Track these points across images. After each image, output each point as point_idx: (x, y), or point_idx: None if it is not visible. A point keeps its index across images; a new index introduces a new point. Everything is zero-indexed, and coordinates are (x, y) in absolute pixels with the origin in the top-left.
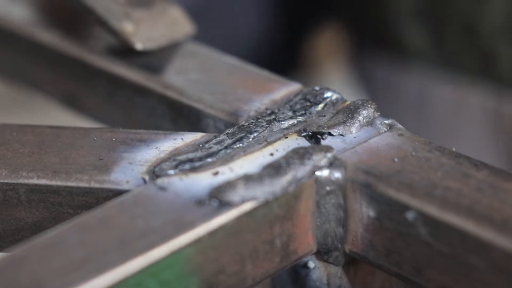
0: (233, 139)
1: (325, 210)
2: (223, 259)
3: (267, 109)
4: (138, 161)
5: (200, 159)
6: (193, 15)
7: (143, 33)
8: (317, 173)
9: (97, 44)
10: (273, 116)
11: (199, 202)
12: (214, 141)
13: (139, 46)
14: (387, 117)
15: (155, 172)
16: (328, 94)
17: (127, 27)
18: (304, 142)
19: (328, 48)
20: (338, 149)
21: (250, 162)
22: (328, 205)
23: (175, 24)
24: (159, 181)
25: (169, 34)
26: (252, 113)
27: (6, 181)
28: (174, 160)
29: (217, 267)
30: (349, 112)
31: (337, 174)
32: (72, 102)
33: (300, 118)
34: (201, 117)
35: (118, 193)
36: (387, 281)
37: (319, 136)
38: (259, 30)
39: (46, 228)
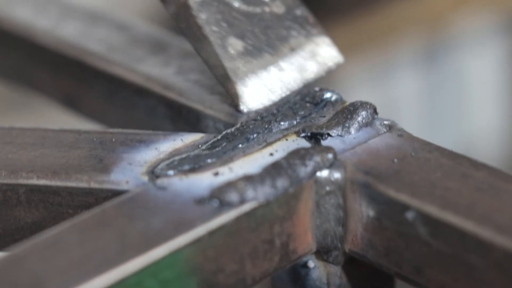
0: (233, 140)
1: (324, 210)
2: (223, 259)
3: (266, 109)
4: (138, 161)
5: (199, 159)
6: None
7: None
8: (317, 173)
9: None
10: (272, 117)
11: (199, 202)
12: (213, 141)
13: (243, 108)
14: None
15: (154, 172)
16: (327, 95)
17: (234, 89)
18: (303, 143)
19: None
20: (338, 150)
21: (250, 163)
22: (327, 205)
23: (309, 61)
24: (159, 181)
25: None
26: (252, 114)
27: (5, 181)
28: (174, 160)
29: (216, 266)
30: (348, 113)
31: (337, 175)
32: (72, 103)
33: (299, 119)
34: (201, 118)
35: (117, 193)
36: None
37: (318, 137)
38: None
39: (46, 228)
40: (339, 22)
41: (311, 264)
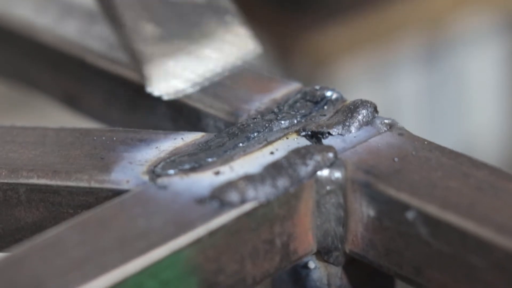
0: (233, 139)
1: (325, 210)
2: (223, 259)
3: (267, 108)
4: (138, 160)
5: (200, 158)
6: None
7: (165, 75)
8: (318, 172)
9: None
10: (273, 116)
11: (200, 201)
12: (214, 140)
13: (152, 90)
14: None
15: (155, 171)
16: (328, 93)
17: (143, 71)
18: (304, 142)
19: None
20: (338, 149)
21: (250, 162)
22: (328, 205)
23: (224, 49)
24: (159, 180)
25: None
26: (252, 113)
27: (6, 181)
28: (174, 159)
29: (217, 266)
30: (348, 112)
31: (337, 174)
32: (72, 102)
33: (300, 118)
34: (201, 117)
35: (118, 192)
36: None
37: (319, 136)
38: None
39: (46, 227)
40: (339, 22)
41: (311, 264)
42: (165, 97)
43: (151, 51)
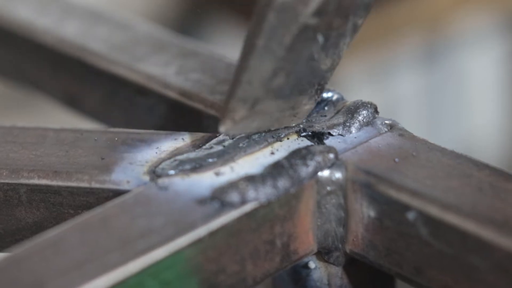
0: (234, 140)
1: (325, 210)
2: (224, 259)
3: None
4: (139, 161)
5: (201, 159)
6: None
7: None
8: (318, 173)
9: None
10: None
11: (200, 202)
12: (215, 141)
13: (221, 129)
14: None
15: (156, 172)
16: (328, 94)
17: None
18: (304, 142)
19: None
20: (339, 149)
21: (251, 162)
22: (328, 205)
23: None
24: (160, 181)
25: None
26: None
27: (6, 181)
28: (175, 160)
29: (217, 267)
30: (349, 112)
31: (338, 174)
32: (72, 102)
33: None
34: (202, 117)
35: (118, 193)
36: None
37: (320, 136)
38: None
39: (47, 228)
40: None
41: (312, 264)
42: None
43: (259, 99)
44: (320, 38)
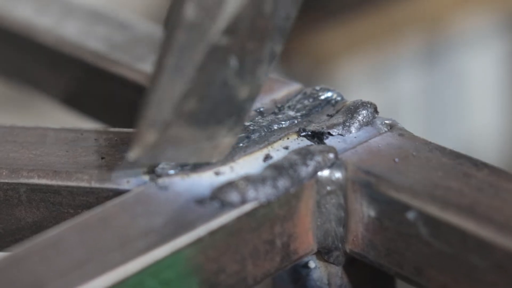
0: None
1: (325, 210)
2: (224, 259)
3: (267, 109)
4: None
5: None
6: None
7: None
8: (318, 173)
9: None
10: (273, 116)
11: (200, 201)
12: None
13: (130, 156)
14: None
15: (155, 171)
16: (328, 94)
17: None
18: (304, 142)
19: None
20: (339, 149)
21: (251, 162)
22: (328, 205)
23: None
24: (160, 180)
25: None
26: (253, 113)
27: (6, 180)
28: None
29: (217, 266)
30: (349, 112)
31: (338, 174)
32: (72, 102)
33: (300, 118)
34: None
35: (118, 192)
36: None
37: (319, 136)
38: None
39: (47, 227)
40: (339, 22)
41: (312, 264)
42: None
43: (169, 124)
44: (233, 61)
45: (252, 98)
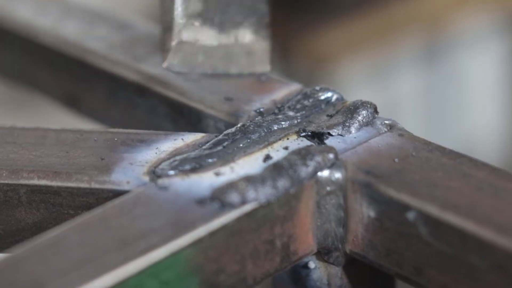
0: (234, 140)
1: (325, 211)
2: (224, 259)
3: (267, 109)
4: (139, 161)
5: (200, 159)
6: None
7: (183, 55)
8: (318, 173)
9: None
10: (273, 116)
11: (200, 202)
12: (214, 141)
13: (164, 64)
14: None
15: (155, 172)
16: (328, 94)
17: (169, 44)
18: (304, 142)
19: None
20: (339, 149)
21: (251, 163)
22: (328, 206)
23: (242, 57)
24: (160, 181)
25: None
26: (253, 114)
27: (6, 181)
28: (175, 160)
29: (217, 267)
30: (348, 112)
31: (338, 175)
32: (72, 103)
33: (300, 119)
34: (202, 118)
35: (118, 193)
36: None
37: (319, 137)
38: None
39: (47, 228)
40: (339, 22)
41: (311, 264)
42: (176, 69)
43: (187, 28)
44: None
45: None
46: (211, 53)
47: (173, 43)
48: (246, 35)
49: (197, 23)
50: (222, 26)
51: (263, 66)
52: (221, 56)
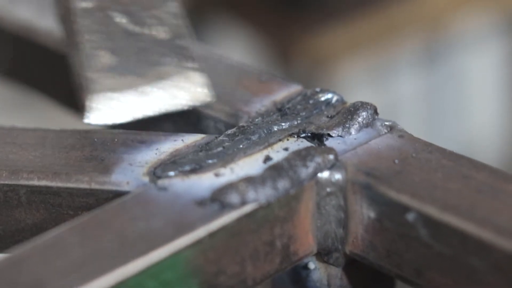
0: (234, 141)
1: (325, 212)
2: (224, 260)
3: (267, 110)
4: (139, 162)
5: (200, 160)
6: None
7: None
8: (318, 174)
9: None
10: (273, 117)
11: (200, 203)
12: (214, 142)
13: (87, 121)
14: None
15: (155, 173)
16: (328, 95)
17: (84, 100)
18: (304, 143)
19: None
20: (339, 151)
21: (251, 164)
22: (328, 207)
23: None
24: (160, 182)
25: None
26: (253, 115)
27: (6, 182)
28: (175, 161)
29: (217, 268)
30: (348, 114)
31: (338, 176)
32: (72, 102)
33: (300, 120)
34: (202, 118)
35: (118, 194)
36: None
37: (319, 138)
38: None
39: (47, 229)
40: (339, 22)
41: (311, 265)
42: (95, 123)
43: (100, 81)
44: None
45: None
46: (134, 99)
47: (87, 100)
48: (168, 71)
49: (110, 74)
50: (139, 71)
51: (203, 95)
52: (148, 99)
